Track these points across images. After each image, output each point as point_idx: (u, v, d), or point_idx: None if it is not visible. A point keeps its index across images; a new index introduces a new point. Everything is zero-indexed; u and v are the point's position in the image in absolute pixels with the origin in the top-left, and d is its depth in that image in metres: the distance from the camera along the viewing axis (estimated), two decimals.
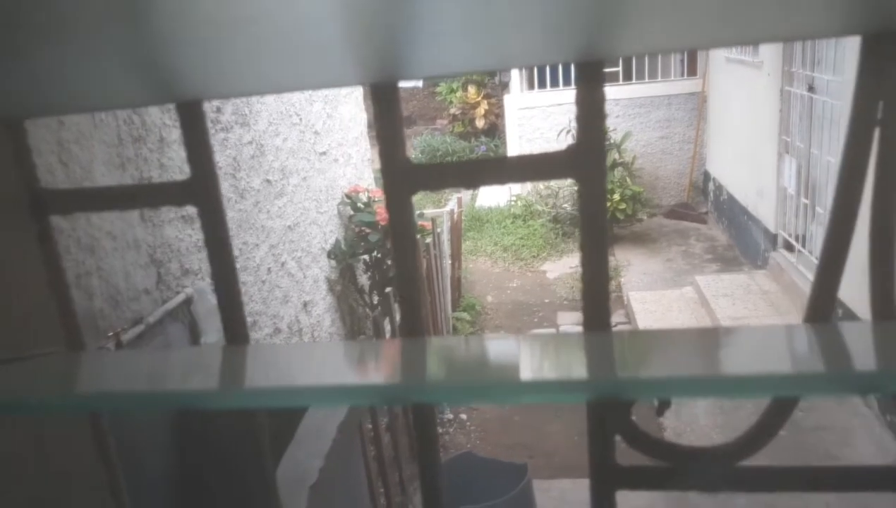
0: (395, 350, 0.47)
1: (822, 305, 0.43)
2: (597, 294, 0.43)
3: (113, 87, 0.46)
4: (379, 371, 0.42)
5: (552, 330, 5.44)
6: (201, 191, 0.46)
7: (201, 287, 2.71)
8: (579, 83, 0.40)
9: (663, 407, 0.45)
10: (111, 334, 2.15)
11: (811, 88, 4.79)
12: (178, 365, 0.46)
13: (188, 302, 2.61)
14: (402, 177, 0.44)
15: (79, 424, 0.60)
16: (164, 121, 2.62)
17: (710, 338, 0.48)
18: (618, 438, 0.46)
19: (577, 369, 0.41)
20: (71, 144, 2.08)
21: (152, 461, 2.19)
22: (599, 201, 0.40)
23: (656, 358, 0.42)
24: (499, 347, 0.45)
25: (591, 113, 0.39)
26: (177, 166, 2.69)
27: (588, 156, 0.40)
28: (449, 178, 0.44)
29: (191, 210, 2.72)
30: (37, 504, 0.61)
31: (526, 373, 0.39)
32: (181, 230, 2.68)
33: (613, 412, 0.45)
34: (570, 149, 0.40)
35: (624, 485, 0.46)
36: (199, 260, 2.78)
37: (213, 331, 2.71)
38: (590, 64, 0.39)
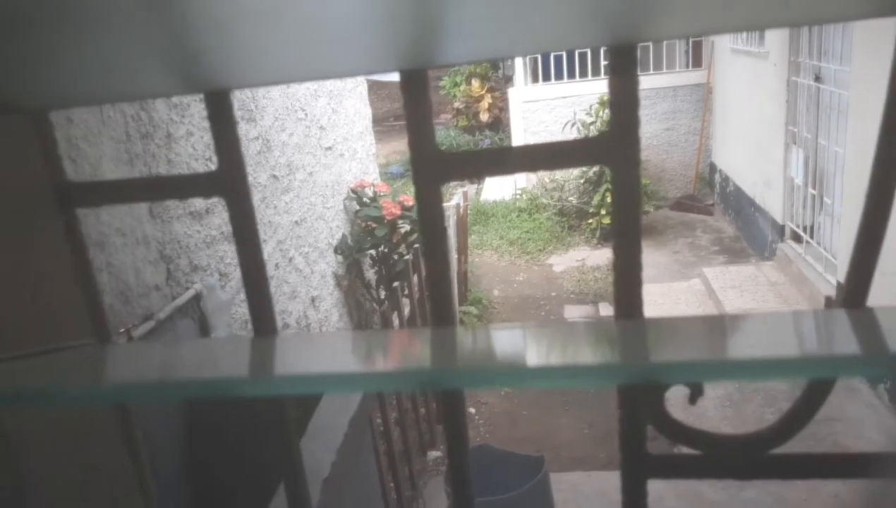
0: (424, 338, 0.47)
1: (857, 290, 0.43)
2: (629, 282, 0.43)
3: (139, 77, 0.45)
4: (412, 357, 0.42)
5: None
6: (229, 182, 0.46)
7: (210, 283, 2.71)
8: (612, 68, 0.39)
9: (696, 394, 0.45)
10: (122, 330, 2.15)
11: (818, 78, 4.76)
12: (209, 355, 0.46)
13: (197, 297, 2.61)
14: (431, 165, 0.43)
15: (98, 415, 0.60)
16: (171, 117, 2.62)
17: (740, 323, 0.47)
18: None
19: (611, 353, 0.41)
20: (79, 141, 2.08)
21: (163, 452, 2.20)
22: (634, 189, 0.40)
23: (690, 343, 0.41)
24: (530, 334, 0.45)
25: (624, 98, 0.39)
26: (184, 162, 2.69)
27: (622, 142, 0.39)
28: (479, 166, 0.43)
29: (199, 205, 2.72)
30: (63, 494, 0.61)
31: (560, 358, 0.39)
32: (190, 226, 2.68)
33: (646, 399, 0.45)
34: (603, 135, 0.39)
35: (656, 475, 0.46)
36: (208, 256, 2.79)
37: (222, 327, 2.71)
38: (623, 47, 0.38)
